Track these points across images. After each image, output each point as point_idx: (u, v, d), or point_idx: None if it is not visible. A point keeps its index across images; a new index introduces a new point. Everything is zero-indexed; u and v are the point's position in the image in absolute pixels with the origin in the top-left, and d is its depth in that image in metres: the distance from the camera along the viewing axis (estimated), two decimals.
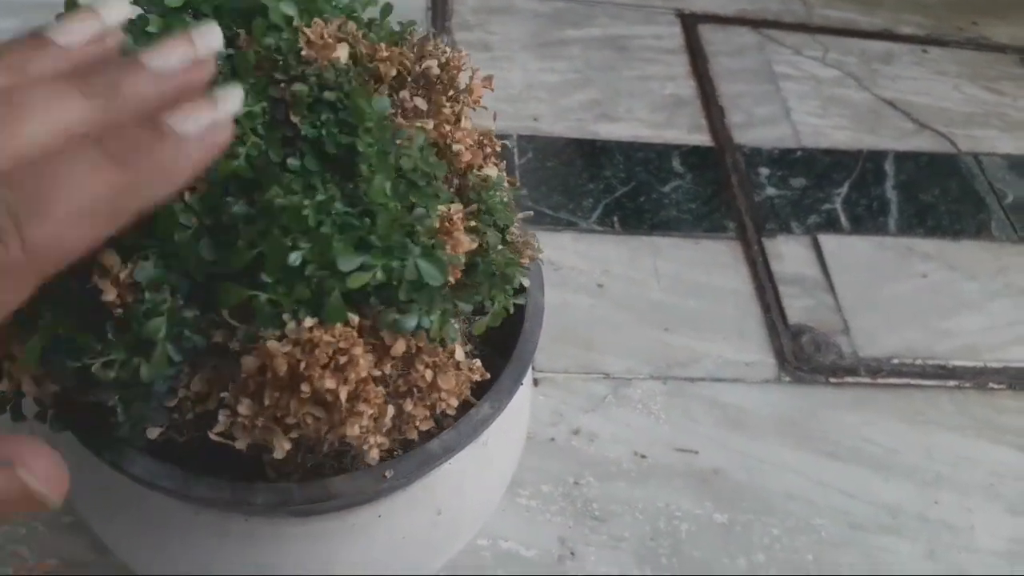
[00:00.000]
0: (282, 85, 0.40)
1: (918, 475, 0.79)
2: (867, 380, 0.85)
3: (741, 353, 0.85)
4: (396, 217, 0.39)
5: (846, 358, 0.86)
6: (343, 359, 0.36)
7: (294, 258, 0.36)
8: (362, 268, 0.37)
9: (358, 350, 0.37)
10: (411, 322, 0.38)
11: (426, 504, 0.47)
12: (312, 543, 0.44)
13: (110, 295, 0.36)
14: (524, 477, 0.74)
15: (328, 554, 0.45)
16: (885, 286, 0.93)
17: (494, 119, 0.47)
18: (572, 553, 0.71)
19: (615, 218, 0.95)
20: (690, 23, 1.18)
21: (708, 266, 0.92)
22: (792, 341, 0.87)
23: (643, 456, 0.77)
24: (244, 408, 0.37)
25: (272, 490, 0.40)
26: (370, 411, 0.37)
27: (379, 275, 0.37)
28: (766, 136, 1.06)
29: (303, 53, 0.40)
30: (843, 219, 0.98)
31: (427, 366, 0.39)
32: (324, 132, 0.39)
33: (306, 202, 0.37)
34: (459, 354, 0.41)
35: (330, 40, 0.41)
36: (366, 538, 0.45)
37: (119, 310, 0.37)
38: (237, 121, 0.37)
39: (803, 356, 0.86)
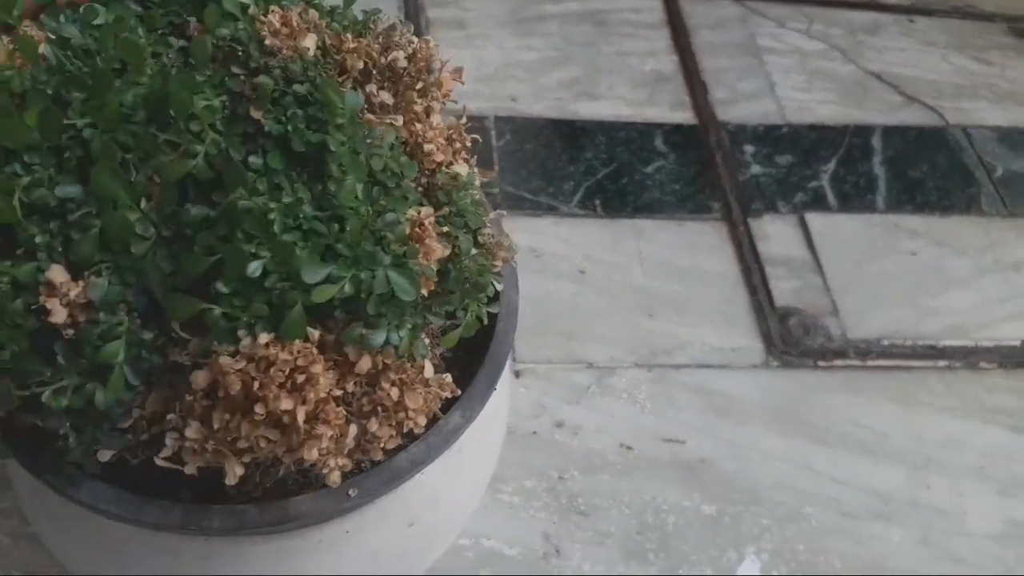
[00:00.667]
0: (242, 78, 0.37)
1: (909, 459, 0.77)
2: (856, 363, 0.83)
3: (727, 338, 0.83)
4: (366, 223, 0.36)
5: (835, 340, 0.84)
6: (301, 378, 0.34)
7: (254, 267, 0.34)
8: (328, 280, 0.34)
9: (318, 368, 0.34)
10: (379, 338, 0.36)
11: (397, 517, 0.45)
12: (276, 561, 0.42)
13: (60, 316, 0.33)
14: (506, 473, 0.72)
15: (293, 572, 0.43)
16: (874, 265, 0.91)
17: (463, 112, 0.45)
18: (557, 550, 0.69)
19: (597, 201, 0.93)
20: None
21: (693, 249, 0.90)
22: (780, 324, 0.85)
23: (628, 447, 0.75)
24: (193, 431, 0.34)
25: (228, 513, 0.38)
26: (330, 432, 0.34)
27: (347, 288, 0.35)
28: (751, 112, 1.03)
29: (267, 43, 0.37)
30: (830, 197, 0.96)
31: (394, 384, 0.37)
32: (291, 128, 0.36)
33: (272, 205, 0.34)
34: (428, 370, 0.38)
35: (297, 28, 0.38)
36: (334, 554, 0.43)
37: (70, 332, 0.34)
38: (193, 116, 0.34)
39: (791, 340, 0.84)
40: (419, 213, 0.37)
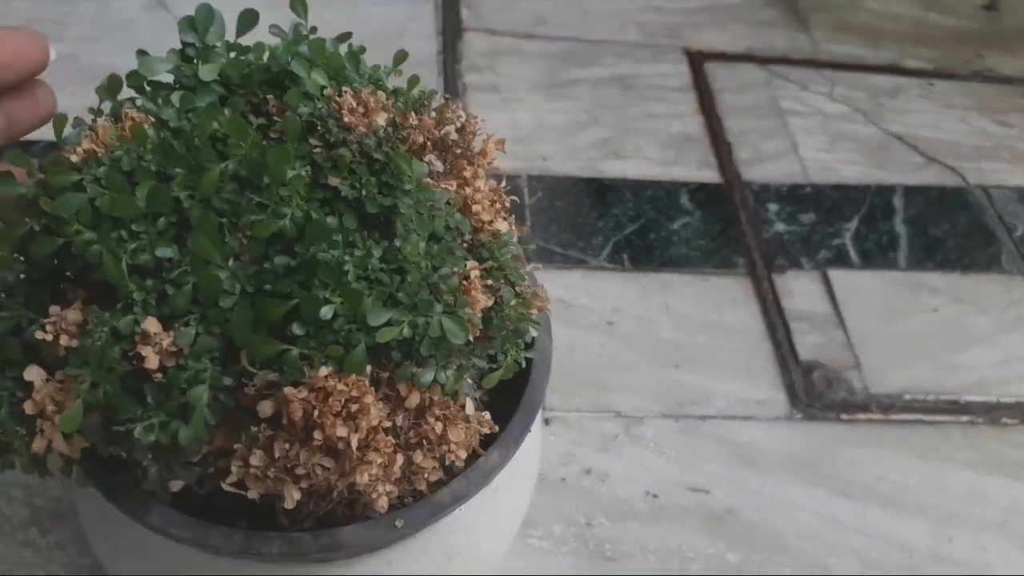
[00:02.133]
0: (318, 149, 0.42)
1: (931, 512, 0.78)
2: (879, 416, 0.85)
3: (752, 390, 0.86)
4: (425, 275, 0.40)
5: (857, 394, 0.86)
6: (355, 407, 0.37)
7: (326, 311, 0.38)
8: (389, 323, 0.39)
9: (369, 399, 0.38)
10: (429, 376, 0.40)
11: (437, 551, 0.48)
12: None
13: (152, 362, 0.38)
14: (535, 518, 0.74)
15: None
16: (896, 321, 0.93)
17: (503, 175, 0.49)
18: None
19: (624, 256, 0.96)
20: (697, 61, 1.20)
21: (718, 303, 0.93)
22: (803, 378, 0.87)
23: (655, 496, 0.78)
24: (256, 459, 0.38)
25: (285, 540, 0.41)
26: (380, 459, 0.38)
27: (405, 331, 0.39)
28: (774, 172, 1.07)
29: (344, 120, 0.42)
30: (853, 254, 0.98)
31: (438, 419, 0.40)
32: (364, 193, 0.41)
33: (347, 258, 0.38)
34: (469, 408, 0.41)
35: (371, 107, 0.42)
36: None
37: (159, 376, 0.38)
38: (283, 184, 0.38)
39: (814, 393, 0.86)
40: (466, 267, 0.41)
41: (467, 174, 0.45)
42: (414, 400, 0.40)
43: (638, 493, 0.77)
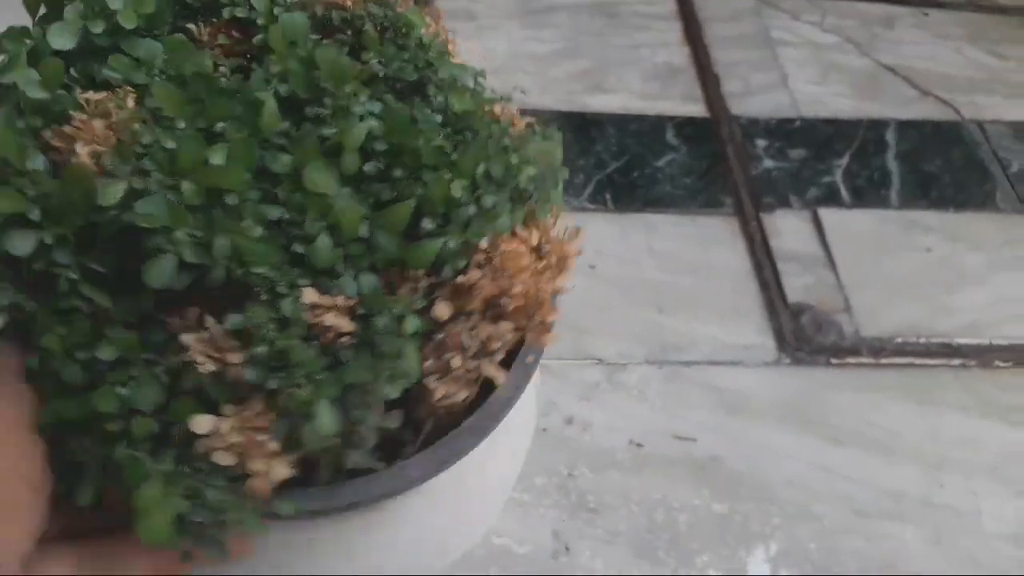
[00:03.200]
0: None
1: (922, 458, 0.76)
2: (870, 360, 0.82)
3: (739, 335, 0.83)
4: (491, 131, 0.40)
5: (848, 338, 0.83)
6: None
7: (455, 187, 0.36)
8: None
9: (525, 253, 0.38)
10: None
11: (440, 502, 0.44)
12: (330, 543, 0.42)
13: (346, 325, 0.34)
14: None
15: (341, 553, 0.42)
16: (887, 261, 0.89)
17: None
18: (567, 548, 0.69)
19: (607, 195, 0.92)
20: None
21: (704, 243, 0.89)
22: (792, 321, 0.84)
23: (639, 445, 0.75)
24: (456, 361, 0.37)
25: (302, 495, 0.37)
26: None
27: (529, 173, 0.39)
28: (763, 105, 1.02)
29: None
30: (844, 192, 0.95)
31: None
32: (396, 66, 0.39)
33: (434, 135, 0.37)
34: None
35: None
36: (381, 536, 0.43)
37: (346, 338, 0.35)
38: (344, 81, 0.36)
39: (803, 337, 0.83)
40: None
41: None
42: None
43: (621, 442, 0.75)
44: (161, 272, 0.32)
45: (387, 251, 0.35)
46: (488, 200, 0.37)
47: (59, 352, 0.32)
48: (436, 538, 0.46)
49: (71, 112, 0.34)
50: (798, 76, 1.05)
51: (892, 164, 0.98)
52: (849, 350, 0.83)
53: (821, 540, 0.71)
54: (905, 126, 1.02)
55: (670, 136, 0.98)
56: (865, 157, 0.98)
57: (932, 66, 1.09)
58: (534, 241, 0.39)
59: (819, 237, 0.91)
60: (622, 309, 0.83)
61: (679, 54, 1.06)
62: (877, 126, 1.01)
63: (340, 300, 0.34)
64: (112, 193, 0.31)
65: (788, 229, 0.91)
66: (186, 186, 0.32)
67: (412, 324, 0.35)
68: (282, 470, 0.33)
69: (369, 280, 0.35)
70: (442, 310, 0.36)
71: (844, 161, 0.97)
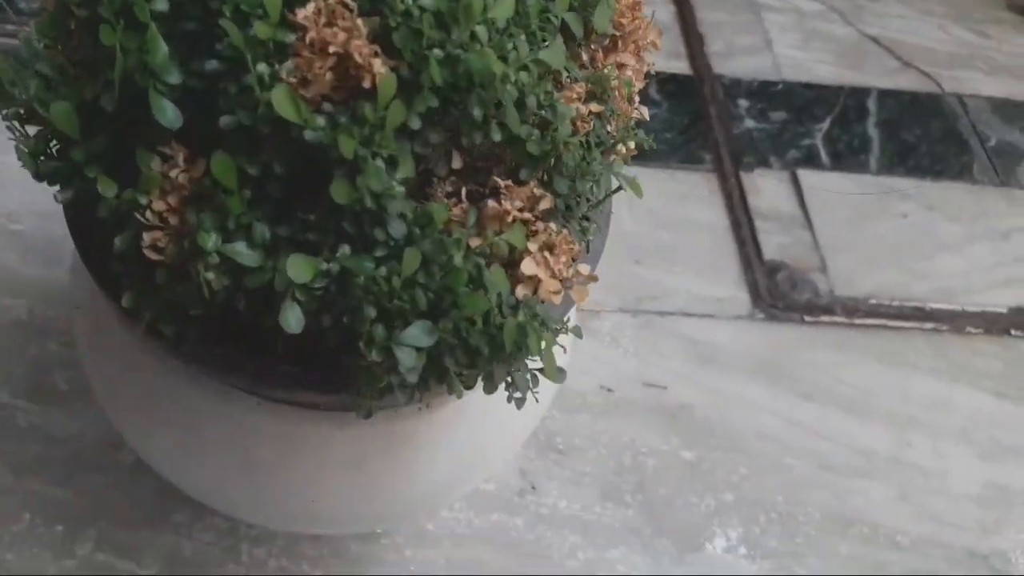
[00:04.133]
0: None
1: (892, 418, 0.76)
2: (843, 320, 0.82)
3: (714, 288, 0.82)
4: None
5: (822, 297, 0.83)
6: None
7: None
8: None
9: None
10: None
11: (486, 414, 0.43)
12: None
13: None
14: None
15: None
16: (864, 224, 0.89)
17: None
18: (533, 487, 0.67)
19: None
20: None
21: (683, 198, 0.88)
22: (767, 278, 0.83)
23: (609, 390, 0.73)
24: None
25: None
26: None
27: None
28: (746, 67, 1.01)
29: None
30: (823, 155, 0.94)
31: None
32: None
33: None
34: None
35: None
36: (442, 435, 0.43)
37: None
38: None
39: (778, 293, 0.82)
40: None
41: None
42: None
43: (592, 386, 0.73)
44: None
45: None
46: None
47: None
48: (475, 454, 0.45)
49: None
50: (782, 41, 1.05)
51: (872, 131, 0.97)
52: (823, 308, 0.82)
53: (788, 492, 0.70)
54: (886, 95, 1.01)
55: (652, 91, 0.96)
56: (846, 123, 0.97)
57: (915, 39, 1.08)
58: None
59: (797, 197, 0.90)
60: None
61: (664, 11, 1.05)
62: (858, 93, 1.01)
63: None
64: None
65: (767, 188, 0.90)
66: None
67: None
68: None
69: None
70: None
71: (824, 125, 0.97)
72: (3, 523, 0.60)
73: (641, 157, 0.90)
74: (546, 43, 0.38)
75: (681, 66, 1.00)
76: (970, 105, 1.02)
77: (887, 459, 0.73)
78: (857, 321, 0.82)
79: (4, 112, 0.37)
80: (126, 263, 0.35)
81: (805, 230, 0.87)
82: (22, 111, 0.36)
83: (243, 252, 0.33)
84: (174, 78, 0.33)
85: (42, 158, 0.36)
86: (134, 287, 0.36)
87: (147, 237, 0.34)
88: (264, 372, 0.37)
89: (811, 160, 0.93)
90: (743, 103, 0.97)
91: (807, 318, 0.81)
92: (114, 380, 0.47)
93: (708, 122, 0.95)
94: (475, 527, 0.65)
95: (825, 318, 0.82)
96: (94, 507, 0.61)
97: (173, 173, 0.34)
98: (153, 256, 0.34)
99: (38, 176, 0.36)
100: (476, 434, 0.44)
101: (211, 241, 0.32)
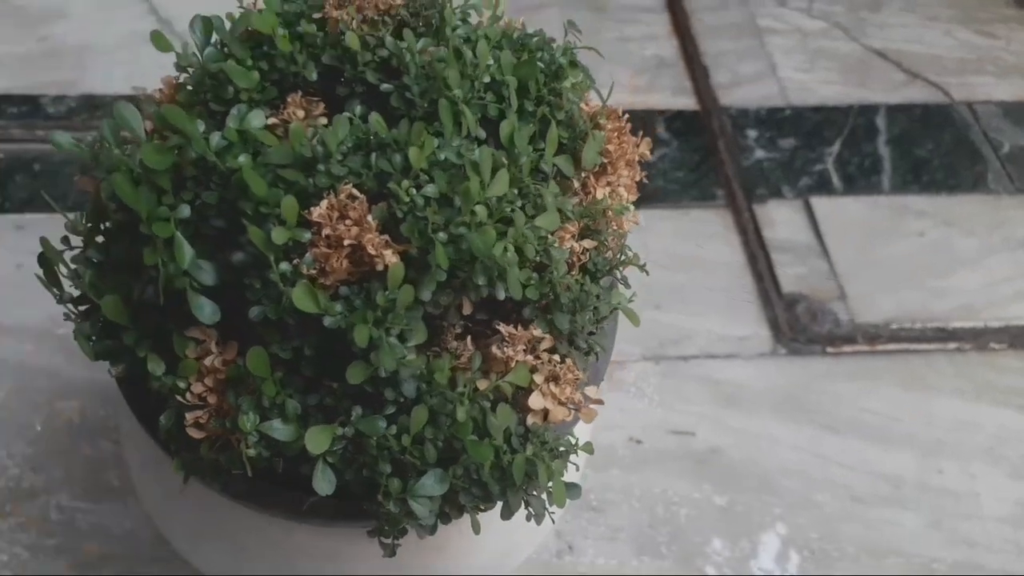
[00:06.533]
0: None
1: (919, 443, 0.77)
2: (865, 348, 0.83)
3: (735, 327, 0.83)
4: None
5: (843, 326, 0.84)
6: None
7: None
8: None
9: None
10: None
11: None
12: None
13: None
14: None
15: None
16: (880, 247, 0.90)
17: None
18: (570, 547, 0.70)
19: None
20: None
21: (698, 237, 0.90)
22: (787, 311, 0.84)
23: (638, 441, 0.75)
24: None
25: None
26: None
27: None
28: (752, 95, 1.02)
29: None
30: (835, 179, 0.95)
31: None
32: None
33: None
34: None
35: None
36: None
37: None
38: None
39: (798, 327, 0.83)
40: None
41: None
42: None
43: (621, 439, 0.75)
44: None
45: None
46: None
47: None
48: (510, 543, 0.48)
49: None
50: (786, 64, 1.06)
51: (883, 149, 0.98)
52: (844, 338, 0.83)
53: (821, 528, 0.72)
54: (895, 110, 1.02)
55: (661, 130, 0.98)
56: (856, 143, 0.98)
57: (921, 48, 1.09)
58: None
59: (812, 226, 0.91)
60: None
61: (668, 47, 1.06)
62: (867, 111, 1.01)
63: None
64: None
65: (781, 219, 0.91)
66: None
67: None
68: None
69: None
70: None
71: (835, 148, 0.98)
72: None
73: (653, 198, 0.92)
74: (540, 196, 0.40)
75: (688, 102, 1.01)
76: (980, 112, 1.02)
77: (917, 486, 0.75)
78: (879, 347, 0.83)
79: (59, 296, 0.40)
80: (172, 436, 0.39)
81: (822, 259, 0.89)
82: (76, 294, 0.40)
83: (279, 428, 0.36)
84: (208, 279, 0.37)
85: (95, 339, 0.40)
86: (181, 454, 0.39)
87: (189, 417, 0.37)
88: (299, 507, 0.41)
89: (823, 186, 0.94)
90: (752, 133, 0.99)
91: (829, 349, 0.83)
92: (163, 502, 0.50)
93: (718, 157, 0.96)
94: None
95: (847, 348, 0.83)
96: None
97: (208, 360, 0.37)
98: (195, 434, 0.37)
99: (94, 357, 0.40)
100: (506, 528, 0.46)
101: (250, 423, 0.36)
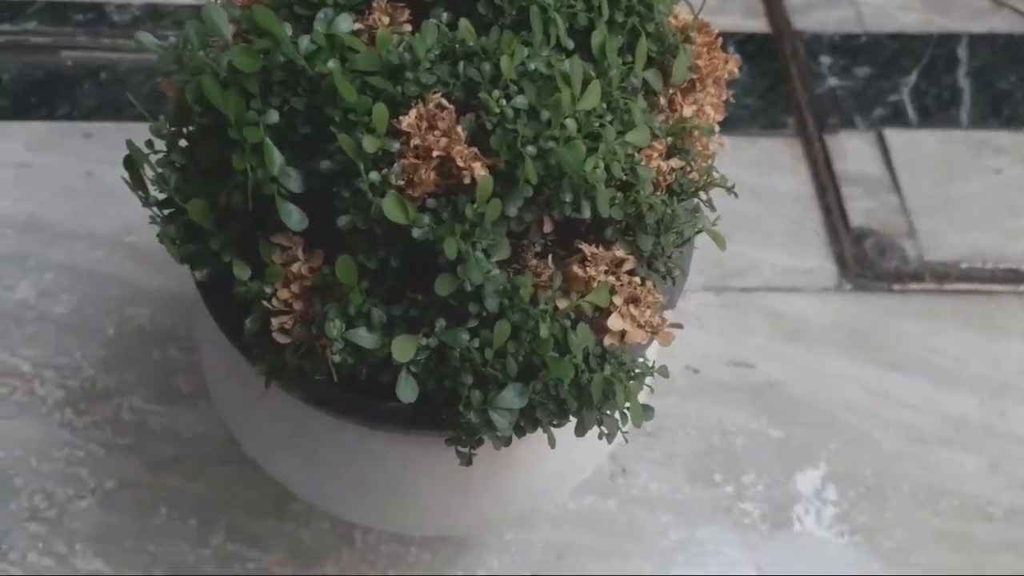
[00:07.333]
0: None
1: (985, 386, 0.76)
2: (933, 286, 0.81)
3: (799, 260, 0.82)
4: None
5: (911, 263, 0.82)
6: None
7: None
8: None
9: None
10: None
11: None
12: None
13: None
14: None
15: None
16: (955, 184, 0.87)
17: None
18: (624, 470, 0.70)
19: None
20: None
21: (765, 166, 0.88)
22: (854, 246, 0.83)
23: (696, 371, 0.75)
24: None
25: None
26: None
27: None
28: (827, 20, 0.98)
29: None
30: (911, 112, 0.92)
31: None
32: None
33: None
34: None
35: None
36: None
37: None
38: None
39: (865, 262, 0.82)
40: None
41: None
42: None
43: (678, 368, 0.75)
44: None
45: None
46: None
47: None
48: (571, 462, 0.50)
49: None
50: None
51: (963, 81, 0.94)
52: (912, 275, 0.81)
53: (878, 466, 0.71)
54: (978, 40, 0.97)
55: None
56: (934, 74, 0.94)
57: None
58: None
59: (884, 159, 0.88)
60: None
61: None
62: (947, 41, 0.97)
63: None
64: None
65: (852, 151, 0.89)
66: None
67: None
68: None
69: None
70: None
71: (912, 79, 0.94)
72: (145, 518, 0.66)
73: (722, 124, 0.90)
74: (628, 111, 0.39)
75: (759, 24, 0.98)
76: None
77: (980, 429, 0.74)
78: (947, 287, 0.81)
79: (145, 198, 0.41)
80: (255, 341, 0.39)
81: (892, 193, 0.86)
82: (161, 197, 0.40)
83: (365, 336, 0.37)
84: (296, 186, 0.37)
85: (179, 243, 0.40)
86: (265, 359, 0.40)
87: (274, 322, 0.38)
88: (380, 414, 0.41)
89: (898, 118, 0.91)
90: (825, 60, 0.95)
91: (896, 286, 0.81)
92: (238, 407, 0.51)
93: (790, 84, 0.93)
94: (570, 510, 0.68)
95: (914, 285, 0.81)
96: (223, 500, 0.67)
97: (295, 267, 0.38)
98: (281, 339, 0.38)
99: (180, 260, 0.40)
100: (571, 447, 0.47)
101: (336, 330, 0.36)
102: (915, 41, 0.97)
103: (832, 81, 0.94)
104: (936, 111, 0.92)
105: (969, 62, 0.96)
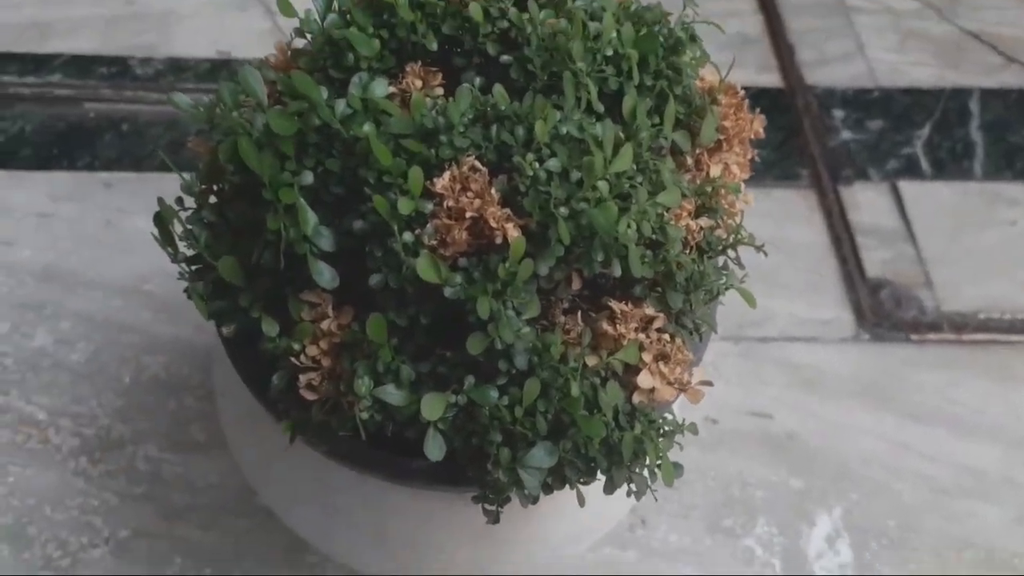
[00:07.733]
0: None
1: (1005, 436, 0.75)
2: (951, 336, 0.81)
3: (817, 310, 0.82)
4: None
5: (928, 313, 0.82)
6: None
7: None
8: None
9: None
10: None
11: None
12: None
13: None
14: None
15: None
16: (970, 235, 0.88)
17: None
18: (643, 521, 0.70)
19: None
20: None
21: (780, 218, 0.88)
22: (871, 296, 0.83)
23: (714, 421, 0.75)
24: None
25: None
26: None
27: None
28: (840, 75, 1.00)
29: None
30: (924, 164, 0.93)
31: None
32: None
33: None
34: None
35: None
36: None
37: None
38: None
39: (882, 312, 0.82)
40: None
41: None
42: None
43: (697, 419, 0.75)
44: None
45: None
46: None
47: None
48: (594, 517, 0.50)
49: None
50: (875, 44, 1.03)
51: (976, 135, 0.95)
52: (930, 326, 0.81)
53: (900, 517, 0.71)
54: (989, 95, 0.99)
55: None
56: (947, 128, 0.95)
57: (1018, 31, 1.05)
58: None
59: (899, 210, 0.89)
60: None
61: (752, 23, 1.04)
62: (959, 95, 0.98)
63: None
64: None
65: (867, 202, 0.89)
66: None
67: None
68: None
69: None
70: None
71: (924, 132, 0.95)
72: (158, 567, 0.66)
73: (745, 183, 0.90)
74: (657, 172, 0.40)
75: (772, 79, 0.99)
76: None
77: (1001, 479, 0.73)
78: (965, 337, 0.81)
79: (174, 255, 0.41)
80: (282, 395, 0.39)
81: (908, 244, 0.87)
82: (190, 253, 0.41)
83: (393, 393, 0.37)
84: (327, 245, 0.37)
85: (206, 299, 0.40)
86: (290, 414, 0.40)
87: (302, 379, 0.38)
88: (405, 471, 0.41)
89: (912, 170, 0.92)
90: (838, 113, 0.96)
91: (913, 336, 0.81)
92: (257, 458, 0.51)
93: (803, 136, 0.94)
94: (588, 561, 0.68)
95: (932, 335, 0.81)
96: (237, 550, 0.67)
97: (324, 324, 0.38)
98: (308, 396, 0.38)
99: (208, 316, 0.41)
100: (596, 501, 0.47)
101: (365, 387, 0.36)
102: (927, 96, 0.98)
103: (846, 134, 0.95)
104: (950, 163, 0.93)
105: (981, 116, 0.97)
